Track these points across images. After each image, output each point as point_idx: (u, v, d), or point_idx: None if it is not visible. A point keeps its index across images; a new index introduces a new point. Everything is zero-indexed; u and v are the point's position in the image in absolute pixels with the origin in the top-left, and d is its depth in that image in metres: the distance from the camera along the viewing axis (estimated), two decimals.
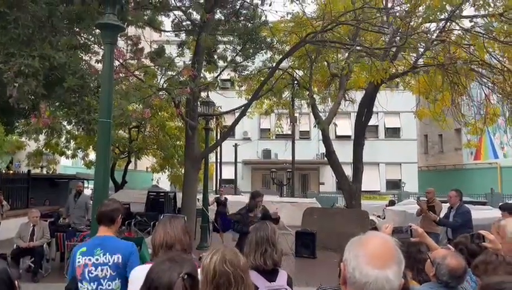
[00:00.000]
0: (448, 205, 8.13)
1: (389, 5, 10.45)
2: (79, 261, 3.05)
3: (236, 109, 12.63)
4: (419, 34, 9.41)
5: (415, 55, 10.83)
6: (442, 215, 8.20)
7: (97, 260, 3.04)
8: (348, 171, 14.63)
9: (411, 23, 9.33)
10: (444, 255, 2.75)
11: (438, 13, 9.11)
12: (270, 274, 2.75)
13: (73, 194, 10.82)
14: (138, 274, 2.45)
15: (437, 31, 9.75)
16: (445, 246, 3.59)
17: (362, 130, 13.82)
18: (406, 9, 9.91)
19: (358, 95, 15.44)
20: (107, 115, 4.31)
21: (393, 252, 1.36)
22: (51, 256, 9.15)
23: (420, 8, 9.65)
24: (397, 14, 9.62)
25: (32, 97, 6.62)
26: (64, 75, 6.05)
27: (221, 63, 14.15)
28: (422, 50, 10.14)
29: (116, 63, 8.27)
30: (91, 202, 11.77)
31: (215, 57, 13.82)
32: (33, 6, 5.68)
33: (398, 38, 9.66)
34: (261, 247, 2.76)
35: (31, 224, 8.52)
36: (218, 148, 19.98)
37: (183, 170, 16.58)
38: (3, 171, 17.53)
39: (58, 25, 6.23)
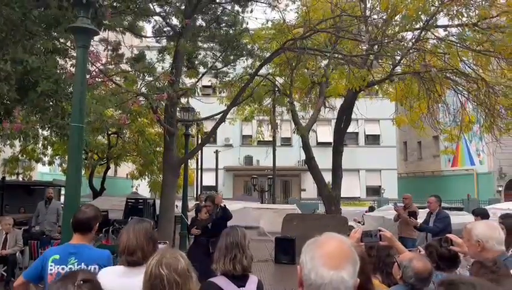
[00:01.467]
0: (427, 210, 8.25)
1: (367, 13, 10.63)
2: (51, 269, 2.95)
3: (216, 115, 12.60)
4: (395, 43, 9.59)
5: (391, 63, 11.02)
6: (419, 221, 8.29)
7: (70, 269, 2.93)
8: (329, 177, 14.74)
9: (388, 32, 9.51)
10: (410, 258, 2.79)
11: (414, 22, 9.31)
12: (240, 280, 2.74)
13: (43, 200, 10.58)
14: (102, 278, 2.42)
15: (413, 40, 9.96)
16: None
17: (341, 136, 13.97)
18: (384, 18, 10.11)
19: (338, 102, 15.60)
20: (80, 120, 4.25)
21: (348, 252, 1.37)
22: (24, 264, 8.91)
23: (397, 17, 9.84)
24: (374, 22, 9.80)
25: (6, 102, 6.49)
26: (38, 79, 5.94)
27: (201, 69, 14.14)
28: (398, 58, 10.33)
29: (93, 67, 8.17)
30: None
31: (196, 63, 13.80)
32: (6, 9, 5.57)
33: (376, 46, 9.83)
34: (230, 252, 2.75)
35: (3, 232, 8.31)
36: (199, 154, 19.88)
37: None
38: None
39: (32, 29, 6.12)
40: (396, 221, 9.08)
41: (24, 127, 6.01)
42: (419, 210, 8.93)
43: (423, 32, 9.95)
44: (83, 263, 2.96)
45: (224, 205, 8.25)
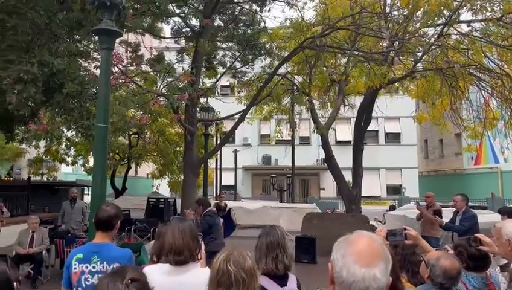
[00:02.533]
0: (449, 209, 8.11)
1: (387, 10, 10.50)
2: (75, 268, 3.03)
3: (235, 114, 12.66)
4: (417, 39, 9.45)
5: (413, 59, 10.85)
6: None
7: (94, 268, 3.02)
8: (348, 176, 14.61)
9: (409, 28, 9.37)
10: (438, 257, 2.75)
11: (436, 18, 9.15)
12: (281, 279, 2.74)
13: (68, 200, 10.80)
14: (149, 276, 2.47)
15: (435, 36, 9.78)
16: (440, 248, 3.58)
17: (361, 135, 13.83)
18: (404, 14, 9.96)
19: (357, 100, 15.45)
20: (104, 120, 4.32)
21: (380, 250, 1.36)
22: (50, 262, 9.12)
23: (418, 13, 9.69)
24: (395, 19, 9.66)
25: (32, 104, 6.65)
26: (63, 81, 6.07)
27: (220, 69, 14.21)
28: (420, 54, 10.17)
29: (115, 69, 8.30)
30: (87, 207, 11.80)
31: (215, 63, 13.89)
32: (32, 13, 5.71)
33: (396, 43, 9.70)
34: (271, 252, 2.75)
35: (30, 231, 8.51)
36: (218, 154, 19.99)
37: (182, 176, 16.61)
38: (4, 178, 17.54)
39: (57, 32, 6.26)
40: (419, 220, 8.96)
41: (50, 128, 6.15)
42: (442, 209, 8.78)
43: (445, 28, 9.76)
44: (105, 262, 3.02)
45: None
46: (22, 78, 5.29)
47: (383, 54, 10.35)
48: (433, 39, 9.79)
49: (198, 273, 2.57)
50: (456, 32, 10.19)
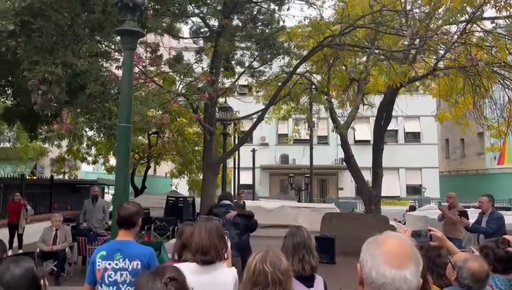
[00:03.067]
0: (470, 210, 7.95)
1: (408, 7, 10.35)
2: (99, 265, 3.08)
3: (253, 114, 12.68)
4: (439, 36, 9.28)
5: (435, 57, 10.67)
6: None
7: (116, 265, 3.07)
8: (367, 176, 14.47)
9: (431, 26, 9.21)
10: (466, 259, 2.70)
11: (458, 15, 8.98)
12: (308, 280, 2.72)
13: (90, 199, 10.94)
14: None
15: (457, 33, 9.60)
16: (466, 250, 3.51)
17: (381, 134, 13.67)
18: (426, 11, 9.81)
19: (377, 99, 15.28)
20: (127, 120, 4.38)
21: (411, 251, 1.34)
22: (72, 260, 9.29)
23: (440, 10, 9.52)
24: (416, 16, 9.51)
25: (55, 104, 6.78)
26: (86, 81, 6.18)
27: (238, 69, 14.24)
28: (442, 52, 9.99)
29: (136, 69, 8.40)
30: (108, 205, 11.97)
31: (233, 63, 13.93)
32: (56, 15, 5.82)
33: (418, 40, 9.55)
34: (298, 253, 2.73)
35: (54, 228, 8.68)
36: (236, 153, 20.03)
37: (201, 175, 16.71)
38: (28, 177, 17.95)
39: (79, 33, 6.38)
40: (441, 221, 8.81)
41: (73, 127, 6.27)
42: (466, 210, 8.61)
43: (469, 25, 9.57)
44: (127, 259, 3.07)
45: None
46: (46, 79, 5.41)
47: (404, 52, 10.21)
48: (455, 37, 9.62)
49: (226, 273, 2.58)
50: (479, 29, 9.98)
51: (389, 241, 1.37)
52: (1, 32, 5.25)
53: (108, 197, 21.88)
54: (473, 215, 8.08)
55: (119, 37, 9.51)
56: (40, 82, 5.40)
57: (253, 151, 23.86)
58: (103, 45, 9.25)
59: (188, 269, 2.63)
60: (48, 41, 5.56)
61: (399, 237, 1.41)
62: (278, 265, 2.00)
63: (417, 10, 10.29)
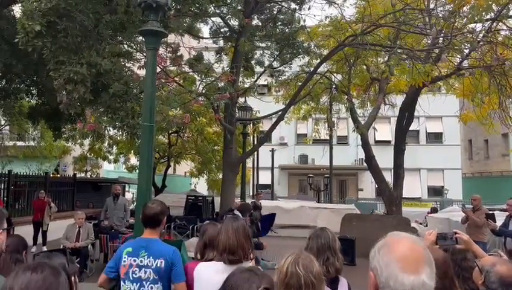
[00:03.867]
0: (496, 213, 7.78)
1: (431, 6, 10.16)
2: (124, 261, 3.13)
3: (273, 113, 12.66)
4: (464, 35, 9.09)
5: (459, 56, 10.46)
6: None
7: (141, 261, 3.11)
8: (388, 177, 14.27)
9: (456, 24, 9.03)
10: (494, 263, 2.62)
11: (484, 13, 8.77)
12: (332, 282, 2.69)
13: (111, 197, 11.08)
14: (205, 274, 2.52)
15: (483, 32, 9.38)
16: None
17: (403, 135, 13.48)
18: (450, 9, 9.62)
19: (398, 99, 15.07)
20: (150, 119, 4.43)
21: (424, 253, 1.32)
22: (95, 257, 9.44)
23: (464, 8, 9.32)
24: (440, 15, 9.33)
25: (79, 103, 6.91)
26: (109, 81, 6.28)
27: (258, 69, 14.23)
28: (467, 51, 9.78)
29: (157, 69, 8.48)
30: (129, 204, 12.10)
31: (252, 62, 13.94)
32: (80, 15, 5.94)
33: (441, 39, 9.37)
34: (322, 255, 2.70)
35: (77, 225, 8.84)
36: (255, 153, 20.05)
37: (220, 175, 16.77)
38: (51, 175, 18.35)
39: (103, 33, 6.48)
40: (464, 223, 8.64)
41: (97, 126, 6.37)
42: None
43: (494, 23, 9.34)
44: (151, 257, 3.10)
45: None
46: (72, 79, 5.51)
47: (429, 51, 10.03)
48: (481, 35, 9.40)
49: None
50: (505, 27, 9.74)
51: (401, 244, 1.34)
52: (28, 33, 5.37)
53: (128, 196, 22.19)
54: (498, 218, 7.90)
55: (140, 38, 9.70)
56: (65, 82, 5.51)
57: (272, 151, 23.83)
58: (125, 45, 9.39)
59: (214, 268, 2.64)
60: (73, 41, 5.67)
61: (409, 238, 1.39)
62: (310, 268, 1.98)
63: (440, 8, 10.10)
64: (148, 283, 3.08)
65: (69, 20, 5.65)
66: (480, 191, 20.63)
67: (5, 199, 12.90)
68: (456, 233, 3.01)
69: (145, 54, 10.00)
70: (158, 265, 3.09)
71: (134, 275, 3.10)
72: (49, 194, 12.73)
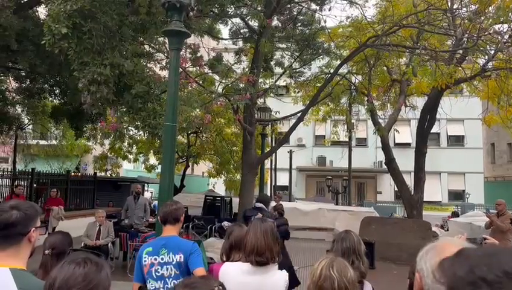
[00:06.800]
0: None
1: (455, 6, 9.97)
2: (145, 261, 3.17)
3: (292, 115, 12.61)
4: (490, 35, 8.89)
5: (485, 58, 10.23)
6: None
7: (162, 259, 3.15)
8: (408, 180, 14.06)
9: (482, 25, 8.83)
10: None
11: (510, 14, 8.57)
12: None
13: (132, 196, 11.15)
14: (231, 274, 2.54)
15: (509, 32, 9.16)
16: None
17: (424, 137, 13.27)
18: (474, 10, 9.42)
19: (419, 101, 14.84)
20: (173, 119, 4.45)
21: None
22: (114, 255, 9.56)
23: (490, 9, 9.12)
24: (465, 15, 9.15)
25: (101, 104, 7.00)
26: (132, 82, 6.35)
27: (277, 70, 14.20)
28: (492, 52, 9.56)
29: (179, 69, 8.54)
30: (149, 203, 12.16)
31: (272, 63, 13.91)
32: (104, 17, 6.01)
33: (465, 40, 9.18)
34: (347, 258, 2.66)
35: (97, 224, 8.98)
36: (273, 154, 20.00)
37: (238, 176, 16.78)
38: (72, 173, 18.67)
39: (126, 35, 6.56)
40: (488, 228, 8.45)
41: (119, 126, 6.45)
42: None
43: None
44: (171, 253, 3.15)
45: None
46: (95, 80, 5.59)
47: (453, 52, 9.84)
48: (507, 36, 9.18)
49: (277, 275, 2.58)
50: None
51: (448, 248, 1.31)
52: (54, 35, 5.47)
53: (147, 195, 22.40)
54: None
55: (161, 38, 9.79)
56: (89, 82, 5.60)
57: (290, 152, 23.74)
58: (146, 46, 9.48)
59: (241, 269, 2.63)
60: (98, 42, 5.75)
61: (458, 243, 1.36)
62: (344, 273, 1.98)
63: (464, 9, 9.90)
64: (171, 279, 3.11)
65: (93, 22, 5.73)
66: (502, 195, 20.15)
67: (28, 196, 13.15)
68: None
69: (166, 55, 10.12)
70: (178, 260, 3.13)
71: (157, 273, 3.14)
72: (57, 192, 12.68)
